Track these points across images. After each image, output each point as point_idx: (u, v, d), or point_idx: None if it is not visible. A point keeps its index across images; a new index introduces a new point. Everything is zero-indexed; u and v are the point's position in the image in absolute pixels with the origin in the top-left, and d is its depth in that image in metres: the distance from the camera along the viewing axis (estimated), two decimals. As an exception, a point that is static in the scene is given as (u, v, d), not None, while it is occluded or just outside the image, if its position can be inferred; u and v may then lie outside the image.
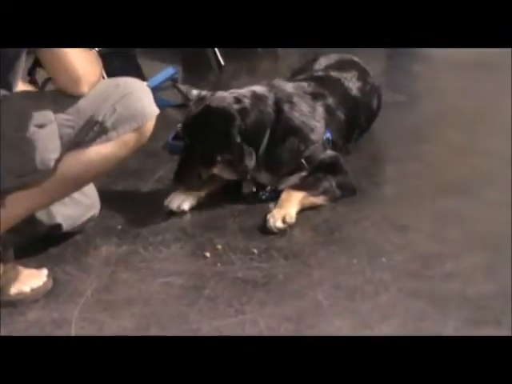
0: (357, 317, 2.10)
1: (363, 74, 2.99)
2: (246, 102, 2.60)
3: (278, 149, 2.62)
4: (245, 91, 2.66)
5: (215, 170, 2.61)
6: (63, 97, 2.17)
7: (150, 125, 2.25)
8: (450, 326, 2.03)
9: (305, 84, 2.80)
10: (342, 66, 3.00)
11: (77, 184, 2.29)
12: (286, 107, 2.65)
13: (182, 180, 2.60)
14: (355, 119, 2.88)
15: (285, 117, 2.64)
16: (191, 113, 2.62)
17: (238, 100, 2.60)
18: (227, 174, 2.64)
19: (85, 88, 2.15)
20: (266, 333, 2.05)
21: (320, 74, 2.94)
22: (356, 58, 3.10)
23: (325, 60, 3.05)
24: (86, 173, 2.24)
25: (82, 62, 2.12)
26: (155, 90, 3.40)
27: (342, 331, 2.05)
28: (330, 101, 2.78)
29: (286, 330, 2.06)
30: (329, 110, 2.76)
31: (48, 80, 3.07)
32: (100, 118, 2.17)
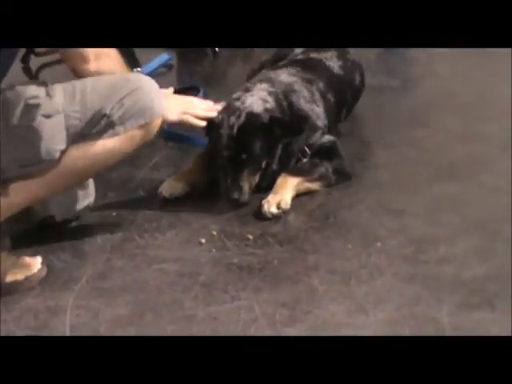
0: (352, 301, 2.10)
1: (342, 52, 2.98)
2: (271, 102, 2.57)
3: (292, 142, 2.60)
4: (260, 91, 2.61)
5: (258, 178, 2.57)
6: (71, 88, 2.17)
7: (158, 122, 2.25)
8: (445, 310, 2.03)
9: (293, 70, 2.79)
10: None
11: (80, 176, 2.30)
12: (293, 98, 2.65)
13: (240, 197, 2.50)
14: (342, 99, 2.89)
15: (296, 109, 2.63)
16: (231, 124, 2.51)
17: (265, 101, 2.57)
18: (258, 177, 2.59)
19: (92, 66, 2.16)
20: (261, 319, 2.05)
21: (301, 57, 2.93)
22: None
23: None
24: (90, 166, 2.24)
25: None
26: (149, 76, 3.41)
27: (337, 316, 2.05)
28: (321, 85, 2.79)
29: (281, 315, 2.06)
30: (323, 95, 2.77)
31: (41, 68, 3.07)
32: (108, 112, 2.16)
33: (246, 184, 2.52)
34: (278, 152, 2.57)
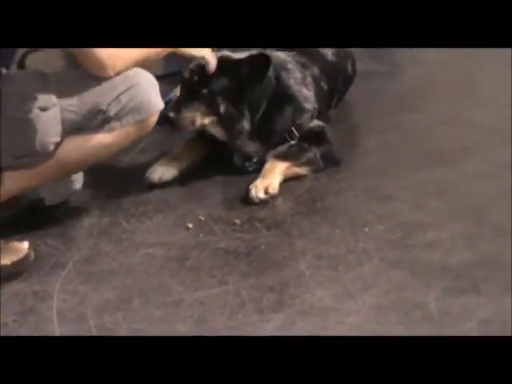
0: (339, 286, 2.11)
1: None
2: None
3: (273, 117, 2.62)
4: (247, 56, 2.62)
5: (208, 121, 2.57)
6: (69, 80, 2.18)
7: (154, 118, 2.27)
8: (432, 295, 2.04)
9: (289, 53, 2.79)
10: None
11: (74, 168, 2.31)
12: (283, 74, 2.65)
13: (175, 119, 2.51)
14: (334, 86, 2.90)
15: (282, 84, 2.64)
16: (230, 56, 2.58)
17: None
18: (218, 132, 2.62)
19: (110, 72, 2.16)
20: (248, 303, 2.06)
21: None
22: None
23: None
24: (84, 159, 2.25)
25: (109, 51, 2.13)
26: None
27: (325, 301, 2.06)
28: (315, 71, 2.79)
29: (268, 300, 2.07)
30: (315, 80, 2.77)
31: (27, 53, 3.04)
32: (104, 107, 2.17)
33: (189, 112, 2.53)
34: (242, 105, 2.56)
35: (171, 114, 2.52)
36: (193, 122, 2.56)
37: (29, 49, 2.97)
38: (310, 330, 1.96)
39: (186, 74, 2.58)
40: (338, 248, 2.26)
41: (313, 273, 2.17)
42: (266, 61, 2.56)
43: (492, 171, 2.58)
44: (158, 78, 3.23)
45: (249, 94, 2.57)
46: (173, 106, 2.53)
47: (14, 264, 2.22)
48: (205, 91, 2.54)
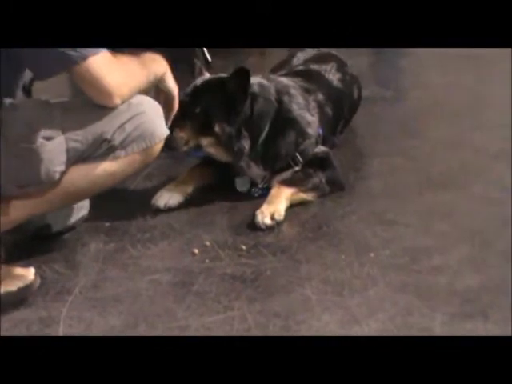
0: (345, 312, 2.09)
1: (341, 65, 3.02)
2: (255, 88, 2.61)
3: (276, 140, 2.63)
4: (252, 78, 2.64)
5: (206, 142, 2.59)
6: (73, 109, 2.18)
7: (159, 146, 2.28)
8: (438, 320, 2.03)
9: (294, 79, 2.81)
10: (320, 59, 3.02)
11: (79, 196, 2.32)
12: (285, 99, 2.67)
13: (168, 139, 2.48)
14: (339, 112, 2.91)
15: (285, 108, 2.65)
16: (204, 78, 2.64)
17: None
18: (218, 153, 2.62)
19: (117, 101, 2.16)
20: (254, 329, 2.04)
21: (301, 68, 2.96)
22: (332, 51, 3.12)
23: (303, 55, 3.07)
24: (89, 187, 2.26)
25: (112, 76, 2.13)
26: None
27: (331, 326, 2.04)
28: (320, 96, 2.80)
29: (274, 326, 2.05)
30: (319, 106, 2.78)
31: (34, 80, 3.05)
32: (109, 136, 2.18)
33: (182, 132, 2.56)
34: (239, 126, 2.57)
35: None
36: (186, 142, 2.58)
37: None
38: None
39: (182, 96, 2.60)
40: (344, 273, 2.25)
41: (319, 298, 2.15)
42: (245, 73, 2.57)
43: (498, 195, 2.58)
44: None
45: (239, 109, 2.57)
46: (168, 126, 2.54)
47: (20, 290, 2.20)
48: (197, 110, 2.57)
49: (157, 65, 2.36)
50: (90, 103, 2.17)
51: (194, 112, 2.57)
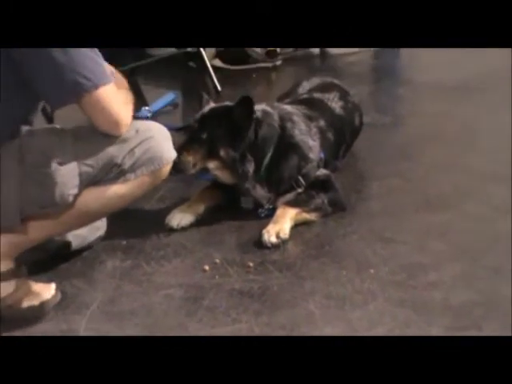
0: (346, 325, 2.09)
1: (344, 94, 3.00)
2: (259, 114, 2.61)
3: (280, 164, 2.62)
4: (256, 105, 2.65)
5: (212, 165, 2.59)
6: (85, 135, 2.17)
7: (167, 168, 2.26)
8: (434, 333, 2.02)
9: (297, 106, 2.81)
10: (323, 88, 3.00)
11: (93, 217, 2.31)
12: (288, 125, 2.66)
13: (176, 161, 2.47)
14: (341, 137, 2.89)
15: (287, 134, 2.65)
16: (211, 106, 2.64)
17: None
18: (224, 175, 2.62)
19: (123, 130, 2.15)
20: None
21: (305, 96, 2.95)
22: (335, 80, 3.12)
23: (307, 84, 3.06)
24: (102, 208, 2.25)
25: (119, 106, 2.12)
26: (157, 114, 3.42)
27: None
28: (322, 123, 2.80)
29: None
30: (321, 131, 2.77)
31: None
32: (119, 161, 2.16)
33: (190, 156, 2.55)
34: (244, 151, 2.56)
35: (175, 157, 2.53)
36: (194, 165, 2.57)
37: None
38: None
39: (191, 123, 2.62)
40: (345, 288, 2.24)
41: (321, 312, 2.15)
42: (249, 101, 2.58)
43: (489, 214, 2.57)
44: (178, 130, 3.30)
45: (244, 135, 2.57)
46: (176, 150, 2.52)
47: (42, 304, 2.21)
48: (204, 136, 2.57)
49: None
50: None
51: (201, 137, 2.57)
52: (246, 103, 2.57)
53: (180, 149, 2.52)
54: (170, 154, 2.26)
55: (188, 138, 2.58)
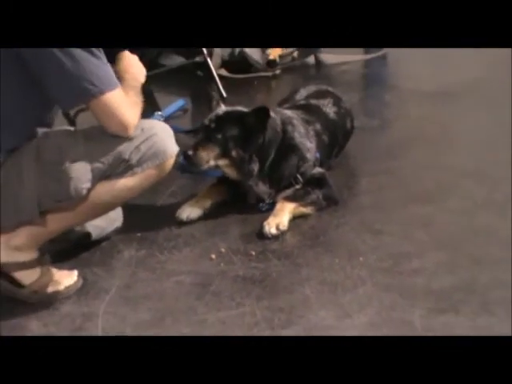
0: (338, 308, 2.10)
1: (337, 100, 2.98)
2: None
3: (281, 164, 2.62)
4: None
5: (222, 163, 2.57)
6: (96, 135, 2.16)
7: (170, 162, 2.24)
8: (417, 314, 2.03)
9: (296, 111, 2.79)
10: (318, 94, 2.98)
11: (105, 209, 2.30)
12: (289, 128, 2.65)
13: (192, 156, 2.51)
14: (334, 139, 2.88)
15: (288, 136, 2.64)
16: (226, 109, 2.62)
17: None
18: (231, 173, 2.61)
19: (130, 131, 2.14)
20: (262, 322, 2.05)
21: (302, 102, 2.94)
22: (329, 88, 3.09)
23: (304, 91, 3.04)
24: (113, 200, 2.24)
25: (125, 109, 2.11)
26: (168, 118, 3.43)
27: (326, 320, 2.05)
28: (317, 126, 2.78)
29: (279, 319, 2.06)
30: (317, 134, 2.76)
31: (79, 111, 3.08)
32: (127, 157, 2.15)
33: (204, 152, 2.54)
34: (253, 152, 2.56)
35: (190, 152, 2.53)
36: (207, 161, 2.56)
37: (79, 108, 3.01)
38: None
39: (206, 121, 2.60)
40: (338, 275, 2.25)
41: (316, 296, 2.15)
42: (266, 112, 2.57)
43: (468, 208, 2.56)
44: (187, 132, 3.31)
45: (255, 140, 2.57)
46: (192, 146, 2.55)
47: (66, 289, 2.23)
48: (219, 136, 2.55)
49: (136, 74, 2.26)
50: None
51: (216, 137, 2.55)
52: (263, 113, 2.56)
53: (196, 145, 2.53)
54: (173, 149, 2.24)
55: (204, 137, 2.57)
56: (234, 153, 2.56)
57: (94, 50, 2.03)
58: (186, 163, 2.59)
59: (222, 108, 2.67)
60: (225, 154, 2.56)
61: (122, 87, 2.14)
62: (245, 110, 2.62)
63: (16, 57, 2.02)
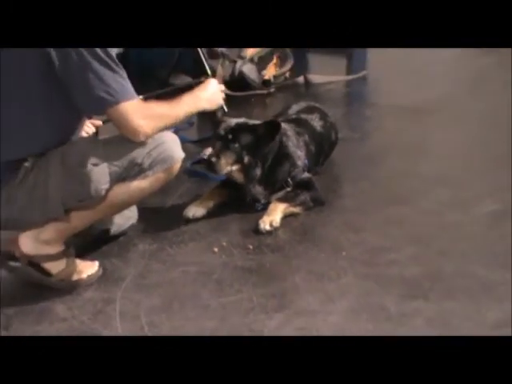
0: (324, 294, 2.11)
1: (324, 115, 2.98)
2: None
3: (275, 169, 2.62)
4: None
5: (234, 168, 2.57)
6: (113, 143, 2.17)
7: (177, 166, 2.25)
8: (391, 300, 2.04)
9: (289, 124, 2.80)
10: (308, 110, 2.98)
11: (121, 207, 2.30)
12: (284, 139, 2.65)
13: (215, 163, 2.51)
14: (321, 149, 2.89)
15: (283, 146, 2.64)
16: (238, 121, 2.60)
17: None
18: (239, 177, 2.61)
19: (141, 137, 2.14)
20: (257, 307, 2.06)
21: (294, 116, 2.94)
22: (317, 104, 3.08)
23: (295, 107, 3.03)
24: (128, 200, 2.25)
25: (139, 119, 2.11)
26: (177, 130, 3.44)
27: (313, 305, 2.06)
28: (306, 137, 2.79)
29: (272, 304, 2.07)
30: (306, 144, 2.77)
31: (106, 121, 3.09)
32: (139, 161, 2.16)
33: (224, 159, 2.53)
34: (259, 154, 2.56)
35: (213, 159, 2.52)
36: (226, 167, 2.55)
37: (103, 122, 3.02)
38: (303, 326, 1.96)
39: (222, 132, 2.59)
40: (323, 266, 2.26)
41: (305, 284, 2.17)
42: (277, 125, 2.58)
43: (437, 209, 2.57)
44: (194, 142, 3.30)
45: (264, 149, 2.57)
46: (214, 155, 2.54)
47: (88, 277, 2.25)
48: (236, 145, 2.55)
49: (206, 98, 2.34)
50: (125, 139, 2.15)
51: (234, 146, 2.54)
52: (273, 126, 2.58)
53: (217, 153, 2.53)
54: (179, 154, 2.24)
55: (222, 146, 2.55)
56: (246, 160, 2.56)
57: (113, 64, 2.05)
58: (207, 168, 2.58)
59: (232, 120, 2.65)
60: (239, 160, 2.56)
61: (178, 99, 2.18)
62: (255, 122, 2.61)
63: (48, 73, 2.04)
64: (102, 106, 2.07)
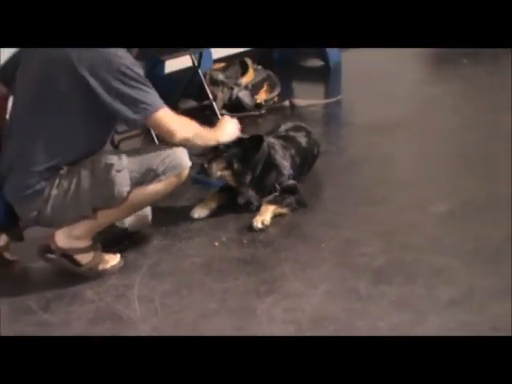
0: (307, 281, 2.13)
1: (308, 133, 2.99)
2: None
3: (265, 177, 2.64)
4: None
5: (226, 173, 2.60)
6: (132, 153, 2.20)
7: (186, 172, 2.27)
8: (362, 284, 2.07)
9: (278, 140, 2.82)
10: (294, 128, 2.97)
11: (139, 207, 2.32)
12: (272, 151, 2.68)
13: (207, 168, 2.53)
14: (305, 160, 2.89)
15: (272, 157, 2.67)
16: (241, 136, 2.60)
17: None
18: (231, 181, 2.63)
19: (176, 140, 2.17)
20: (252, 291, 2.08)
21: (283, 134, 2.94)
22: (302, 124, 3.08)
23: (284, 126, 3.01)
24: (145, 201, 2.27)
25: (174, 123, 2.16)
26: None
27: (298, 289, 2.08)
28: (293, 151, 2.81)
29: (263, 289, 2.10)
30: (292, 157, 2.79)
31: (121, 140, 3.11)
32: (154, 167, 2.19)
33: (215, 165, 2.56)
34: (248, 162, 2.58)
35: (206, 165, 2.57)
36: (217, 172, 2.58)
37: (122, 135, 3.04)
38: (289, 307, 1.99)
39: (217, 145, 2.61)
40: (306, 257, 2.28)
41: (291, 272, 2.19)
42: (260, 138, 2.62)
43: (405, 207, 2.56)
44: (197, 155, 3.27)
45: (250, 158, 2.61)
46: (207, 161, 2.58)
47: (111, 267, 2.28)
48: (225, 154, 2.58)
49: (221, 133, 2.40)
50: (143, 149, 2.19)
51: (223, 155, 2.57)
52: (258, 139, 2.61)
53: (209, 160, 2.57)
54: (187, 163, 2.26)
55: (214, 155, 2.58)
56: (235, 166, 2.58)
57: (144, 81, 2.10)
58: (202, 173, 2.62)
59: None
60: (229, 166, 2.59)
61: (199, 128, 2.24)
62: (244, 136, 2.65)
63: (89, 99, 2.07)
64: (143, 117, 2.12)
